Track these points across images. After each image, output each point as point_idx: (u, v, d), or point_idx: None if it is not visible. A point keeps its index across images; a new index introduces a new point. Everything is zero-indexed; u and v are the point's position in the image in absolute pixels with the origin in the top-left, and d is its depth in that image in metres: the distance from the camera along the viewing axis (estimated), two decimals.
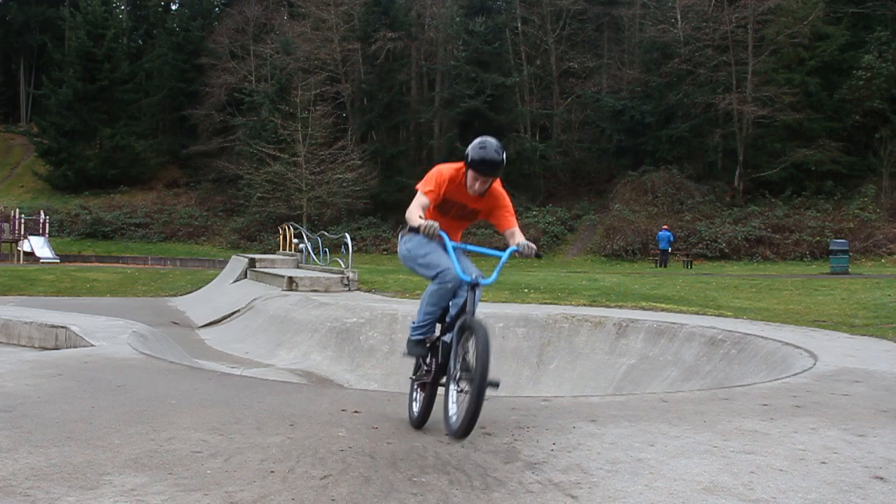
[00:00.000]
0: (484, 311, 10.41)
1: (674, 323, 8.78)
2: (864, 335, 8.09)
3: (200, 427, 3.90)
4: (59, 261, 29.96)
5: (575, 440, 3.70)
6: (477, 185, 3.82)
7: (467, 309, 3.65)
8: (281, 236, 24.38)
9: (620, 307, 10.90)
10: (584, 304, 11.36)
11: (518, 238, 3.86)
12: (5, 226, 31.63)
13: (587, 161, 37.70)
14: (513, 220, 3.97)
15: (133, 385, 5.09)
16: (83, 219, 39.12)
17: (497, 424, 4.01)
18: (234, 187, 39.17)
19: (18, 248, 30.81)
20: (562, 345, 9.21)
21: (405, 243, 3.96)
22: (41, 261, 29.15)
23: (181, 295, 19.43)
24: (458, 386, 3.60)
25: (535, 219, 33.14)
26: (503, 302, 11.90)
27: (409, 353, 4.13)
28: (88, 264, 29.50)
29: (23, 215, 32.40)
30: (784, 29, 30.56)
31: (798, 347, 6.83)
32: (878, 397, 4.82)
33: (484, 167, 3.76)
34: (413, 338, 4.04)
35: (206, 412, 4.29)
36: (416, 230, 3.69)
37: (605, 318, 9.40)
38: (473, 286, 3.67)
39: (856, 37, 30.65)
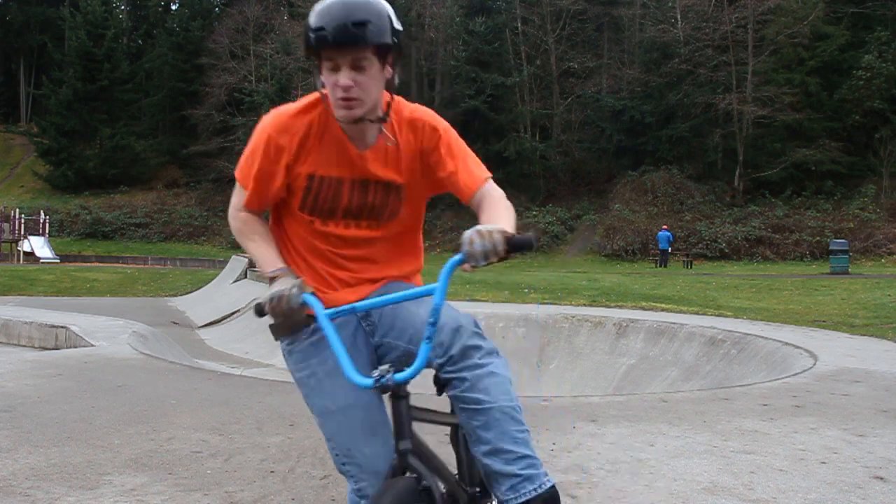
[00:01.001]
0: (484, 310, 10.41)
1: (674, 323, 8.78)
2: (864, 335, 8.09)
3: (200, 427, 3.90)
4: (59, 261, 29.96)
5: (575, 440, 3.70)
6: (339, 94, 1.64)
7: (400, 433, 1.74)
8: None
9: (620, 307, 10.90)
10: (584, 304, 11.36)
11: (480, 228, 1.59)
12: (5, 226, 31.63)
13: (587, 161, 37.68)
14: (477, 169, 1.86)
15: (133, 385, 5.09)
16: (83, 219, 39.12)
17: None
18: (234, 187, 39.15)
19: (18, 248, 30.81)
20: (562, 345, 9.21)
21: (284, 351, 1.88)
22: (41, 261, 29.14)
23: (181, 295, 19.43)
24: None
25: (535, 219, 33.13)
26: (503, 302, 11.90)
27: None
28: (88, 264, 29.50)
29: (23, 215, 32.40)
30: (784, 29, 30.55)
31: (798, 347, 6.83)
32: (878, 397, 4.82)
33: (338, 35, 1.59)
34: None
35: (206, 412, 4.28)
36: (259, 311, 1.71)
37: (605, 318, 9.40)
38: (385, 390, 1.68)
39: (856, 37, 30.64)
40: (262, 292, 1.76)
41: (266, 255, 1.85)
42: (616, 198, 33.58)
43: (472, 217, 1.67)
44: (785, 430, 3.91)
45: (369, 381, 1.63)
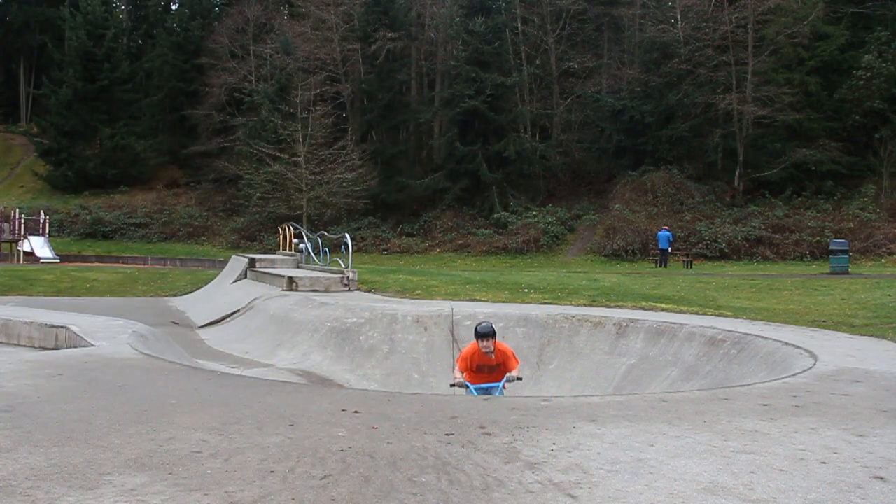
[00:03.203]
0: (484, 311, 10.43)
1: (674, 323, 8.78)
2: (864, 335, 8.09)
3: (200, 427, 3.90)
4: (59, 261, 29.96)
5: (575, 440, 3.70)
6: (483, 345, 6.26)
7: None
8: (281, 236, 24.37)
9: (620, 307, 10.90)
10: (584, 304, 11.36)
11: (513, 373, 6.37)
12: (5, 226, 31.64)
13: (587, 161, 37.68)
14: (515, 364, 6.43)
15: (133, 385, 5.09)
16: (83, 219, 39.12)
17: (497, 424, 4.01)
18: (234, 187, 39.17)
19: (18, 248, 30.81)
20: (562, 345, 9.21)
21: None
22: (41, 261, 29.15)
23: (181, 295, 19.43)
24: None
25: (535, 219, 33.12)
26: (503, 302, 11.90)
27: None
28: (88, 264, 29.50)
29: (23, 215, 32.40)
30: (784, 29, 30.55)
31: (798, 347, 6.83)
32: (878, 397, 4.82)
33: (482, 335, 6.27)
34: None
35: (206, 412, 4.29)
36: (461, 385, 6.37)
37: (605, 318, 9.41)
38: None
39: (856, 37, 30.64)
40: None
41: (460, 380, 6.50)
42: (616, 198, 33.57)
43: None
44: (785, 430, 3.91)
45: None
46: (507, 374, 6.21)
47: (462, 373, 6.29)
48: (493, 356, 6.24)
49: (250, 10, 43.32)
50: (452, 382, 6.36)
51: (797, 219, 29.16)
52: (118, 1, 54.02)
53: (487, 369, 6.29)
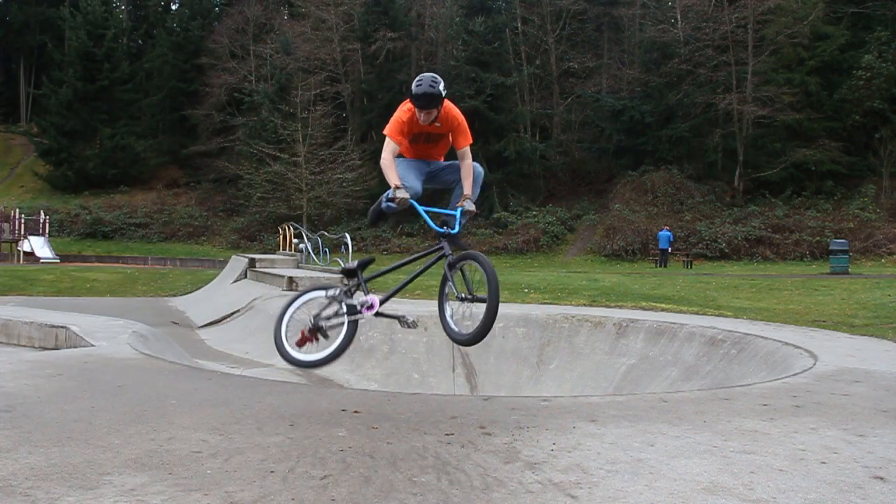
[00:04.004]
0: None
1: (674, 323, 8.78)
2: (864, 335, 8.09)
3: (200, 427, 3.90)
4: (59, 261, 29.95)
5: (575, 440, 3.70)
6: (423, 117, 4.40)
7: (445, 251, 4.42)
8: (281, 236, 24.38)
9: (620, 307, 10.90)
10: (584, 304, 11.36)
11: (466, 193, 4.60)
12: (5, 226, 31.64)
13: (587, 161, 37.69)
14: (464, 138, 4.62)
15: (133, 385, 5.09)
16: (83, 219, 39.12)
17: (497, 424, 4.01)
18: (234, 187, 39.18)
19: (18, 248, 30.81)
20: (562, 345, 9.21)
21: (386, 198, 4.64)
22: (41, 261, 29.14)
23: (181, 295, 19.42)
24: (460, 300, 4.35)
25: (535, 219, 33.12)
26: (503, 302, 11.88)
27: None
28: (88, 264, 29.50)
29: (23, 215, 32.39)
30: (784, 29, 30.56)
31: (798, 347, 6.83)
32: (878, 397, 4.82)
33: (422, 101, 4.34)
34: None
35: (206, 412, 4.29)
36: (391, 201, 4.43)
37: (605, 318, 9.40)
38: (445, 236, 4.48)
39: (856, 37, 30.65)
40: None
41: (394, 173, 4.38)
42: (616, 198, 33.58)
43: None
44: (785, 430, 3.91)
45: (441, 230, 4.44)
46: (461, 206, 4.52)
47: (397, 145, 4.55)
48: (438, 123, 4.52)
49: (250, 10, 43.33)
50: (389, 196, 4.46)
51: (797, 219, 29.17)
52: (118, 1, 54.03)
53: (426, 139, 4.62)
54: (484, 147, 33.97)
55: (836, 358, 6.32)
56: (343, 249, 16.74)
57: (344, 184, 34.07)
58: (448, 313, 4.42)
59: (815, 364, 6.01)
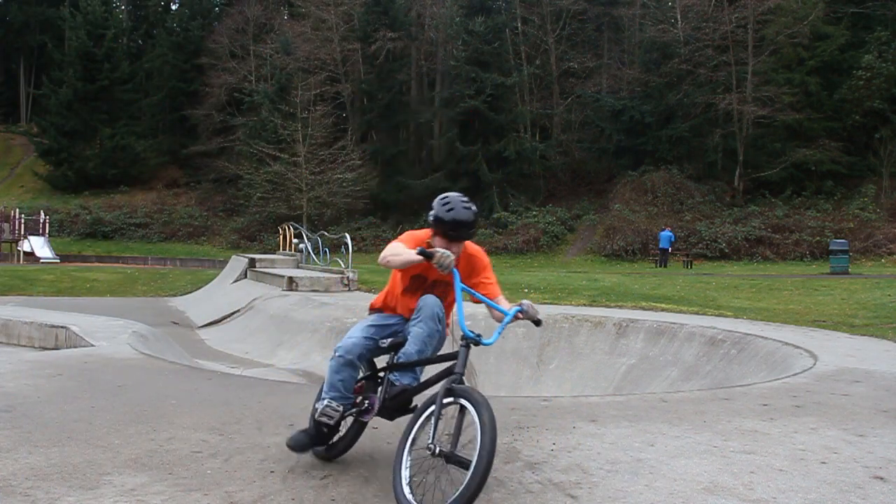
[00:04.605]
0: (484, 310, 10.37)
1: (674, 323, 8.78)
2: (864, 335, 8.09)
3: (200, 427, 3.90)
4: (59, 261, 29.95)
5: (575, 440, 3.70)
6: (453, 250, 3.12)
7: (458, 369, 2.96)
8: (281, 236, 24.38)
9: (620, 307, 10.90)
10: (584, 304, 11.35)
11: (508, 304, 3.30)
12: (5, 226, 31.63)
13: (587, 161, 37.68)
14: (496, 288, 3.38)
15: (133, 385, 5.09)
16: (83, 219, 39.12)
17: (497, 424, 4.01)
18: (234, 187, 39.17)
19: (18, 248, 30.81)
20: (562, 345, 9.20)
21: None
22: (41, 261, 29.14)
23: (181, 295, 19.43)
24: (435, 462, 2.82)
25: (535, 219, 33.11)
26: None
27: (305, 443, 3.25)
28: (88, 264, 29.50)
29: (23, 215, 32.39)
30: (784, 29, 30.54)
31: (798, 347, 6.83)
32: (878, 397, 4.82)
33: (457, 229, 3.12)
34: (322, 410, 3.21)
35: (206, 412, 4.29)
36: (429, 257, 2.99)
37: (605, 318, 9.40)
38: (473, 343, 3.01)
39: (856, 37, 30.63)
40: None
41: (406, 251, 3.21)
42: (616, 198, 33.57)
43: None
44: (785, 430, 3.91)
45: (471, 333, 3.05)
46: (523, 303, 3.22)
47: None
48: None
49: (250, 10, 43.32)
50: (420, 255, 3.06)
51: (797, 219, 29.16)
52: (118, 1, 54.00)
53: (432, 284, 3.40)
54: (484, 147, 33.99)
55: (836, 358, 6.32)
56: (343, 249, 16.73)
57: (344, 184, 34.07)
58: (405, 473, 2.78)
59: (815, 364, 6.01)
